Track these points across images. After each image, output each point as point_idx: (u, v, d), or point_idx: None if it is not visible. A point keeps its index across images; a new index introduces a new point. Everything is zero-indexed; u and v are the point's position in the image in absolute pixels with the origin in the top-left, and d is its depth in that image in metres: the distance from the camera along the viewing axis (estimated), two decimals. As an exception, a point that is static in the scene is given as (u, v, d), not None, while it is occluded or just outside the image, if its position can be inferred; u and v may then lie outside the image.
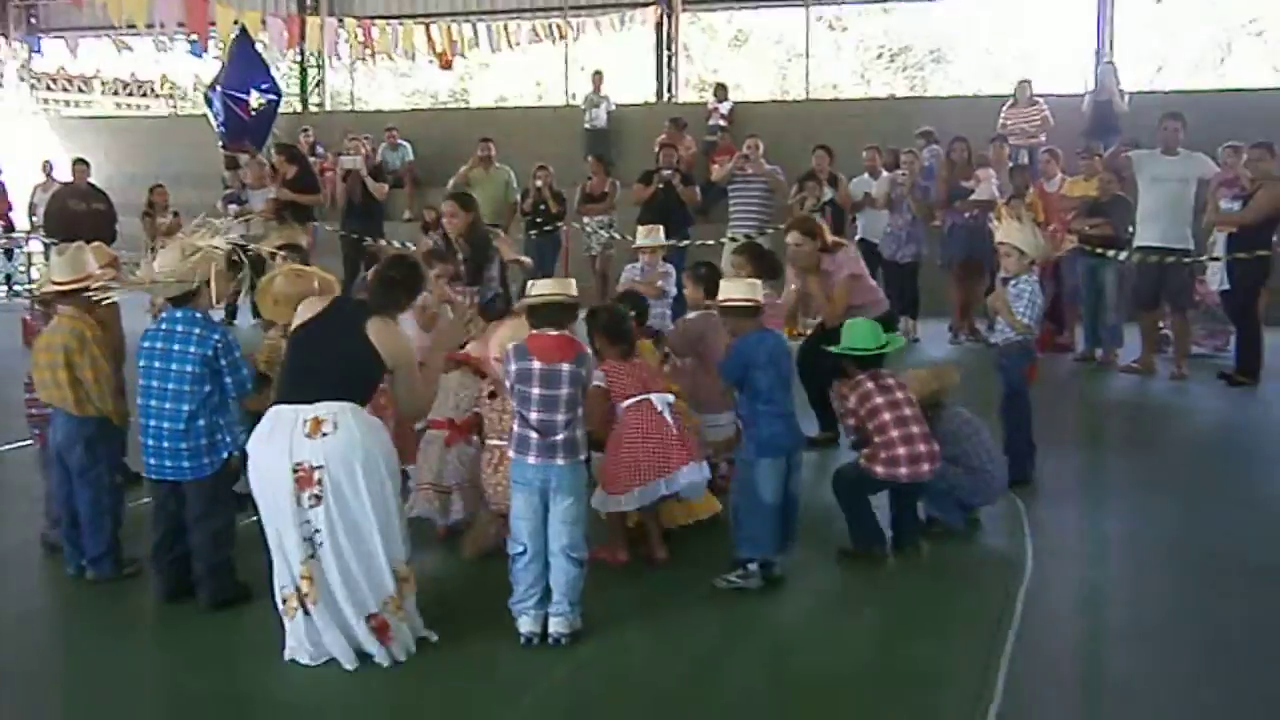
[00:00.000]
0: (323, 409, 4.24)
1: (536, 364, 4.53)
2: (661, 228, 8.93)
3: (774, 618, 4.91)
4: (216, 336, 4.81)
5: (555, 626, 4.49)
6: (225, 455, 4.82)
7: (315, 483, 4.18)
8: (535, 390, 4.51)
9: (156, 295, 4.91)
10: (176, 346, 4.76)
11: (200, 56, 17.68)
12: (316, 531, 4.21)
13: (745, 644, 4.66)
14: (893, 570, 5.43)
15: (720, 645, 4.63)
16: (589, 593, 4.60)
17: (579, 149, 17.64)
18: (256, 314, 5.78)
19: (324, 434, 4.19)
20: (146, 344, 4.82)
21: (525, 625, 4.50)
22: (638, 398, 5.37)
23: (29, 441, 6.60)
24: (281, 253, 6.82)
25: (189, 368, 4.74)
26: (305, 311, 4.60)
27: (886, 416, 5.40)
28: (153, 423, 4.77)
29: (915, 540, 5.58)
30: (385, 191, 14.57)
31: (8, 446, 7.08)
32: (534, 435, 4.48)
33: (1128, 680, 4.41)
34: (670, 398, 5.51)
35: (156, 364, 4.77)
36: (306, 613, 4.25)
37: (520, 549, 4.51)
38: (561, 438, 4.50)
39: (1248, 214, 9.85)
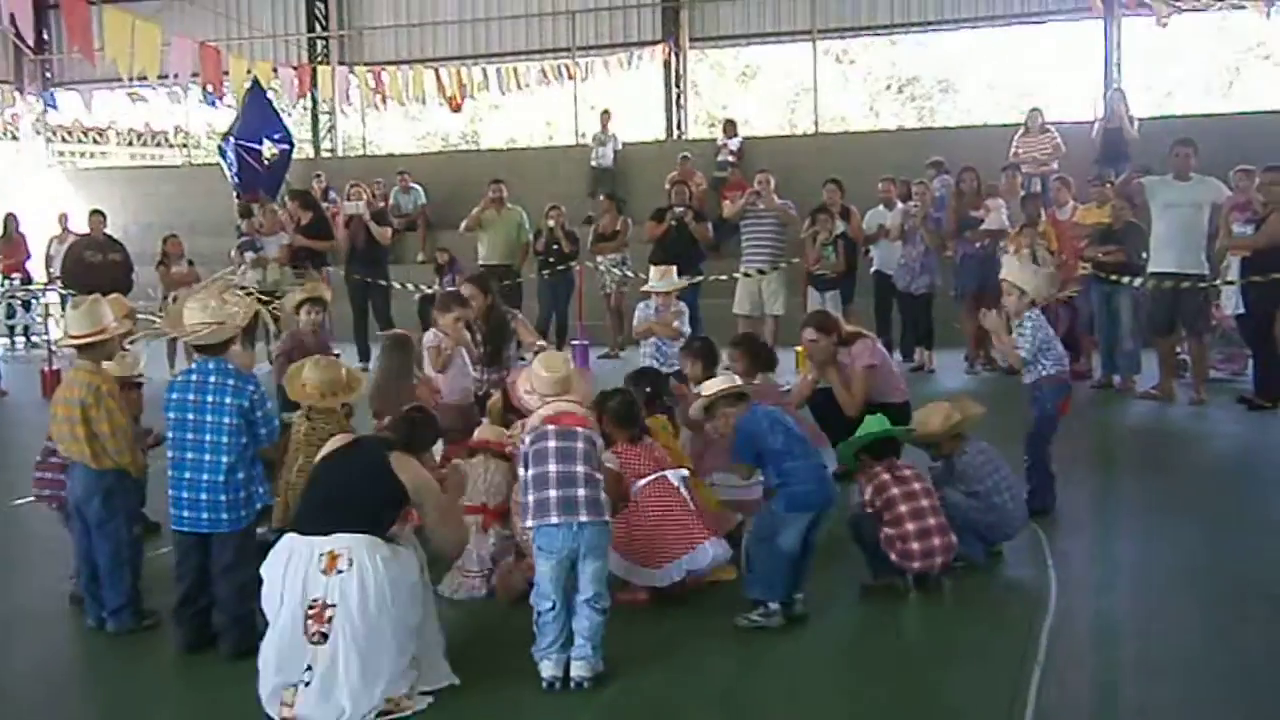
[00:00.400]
0: (338, 542, 4.20)
1: (551, 426, 4.59)
2: (674, 269, 8.92)
3: (796, 655, 4.86)
4: (252, 387, 4.84)
5: (577, 670, 4.46)
6: (259, 506, 4.85)
7: (326, 620, 4.14)
8: (552, 444, 4.53)
9: (191, 342, 4.91)
10: (211, 398, 4.76)
11: (215, 106, 17.87)
12: (308, 669, 4.15)
13: (768, 682, 4.62)
14: (915, 604, 5.38)
15: (743, 684, 4.60)
16: (610, 634, 4.57)
17: (586, 188, 17.79)
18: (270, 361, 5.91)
19: (339, 570, 4.15)
20: (176, 395, 4.82)
21: (547, 670, 4.46)
22: (653, 476, 5.41)
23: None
24: (306, 305, 6.89)
25: (227, 419, 4.75)
26: (329, 446, 4.67)
27: (902, 509, 5.35)
28: (188, 475, 4.76)
29: (937, 574, 5.54)
30: (389, 235, 14.51)
31: (30, 499, 7.08)
32: (553, 494, 4.45)
33: (1153, 713, 4.36)
34: (684, 473, 5.54)
35: (190, 416, 4.77)
36: None
37: (549, 604, 4.48)
38: (583, 493, 4.47)
39: (1260, 238, 9.83)
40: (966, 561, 5.74)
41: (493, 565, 5.58)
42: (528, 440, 4.61)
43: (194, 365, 4.91)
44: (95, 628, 5.19)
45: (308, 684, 4.15)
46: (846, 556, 5.65)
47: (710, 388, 5.49)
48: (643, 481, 5.42)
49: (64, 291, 13.74)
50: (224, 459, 4.74)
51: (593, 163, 18.30)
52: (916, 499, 5.38)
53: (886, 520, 5.38)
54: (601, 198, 14.44)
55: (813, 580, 5.24)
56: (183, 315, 4.91)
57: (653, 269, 8.92)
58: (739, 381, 5.61)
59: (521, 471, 4.65)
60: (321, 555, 4.18)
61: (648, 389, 6.44)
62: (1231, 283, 10.23)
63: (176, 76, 15.07)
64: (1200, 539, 6.39)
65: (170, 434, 4.83)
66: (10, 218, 17.25)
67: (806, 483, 5.06)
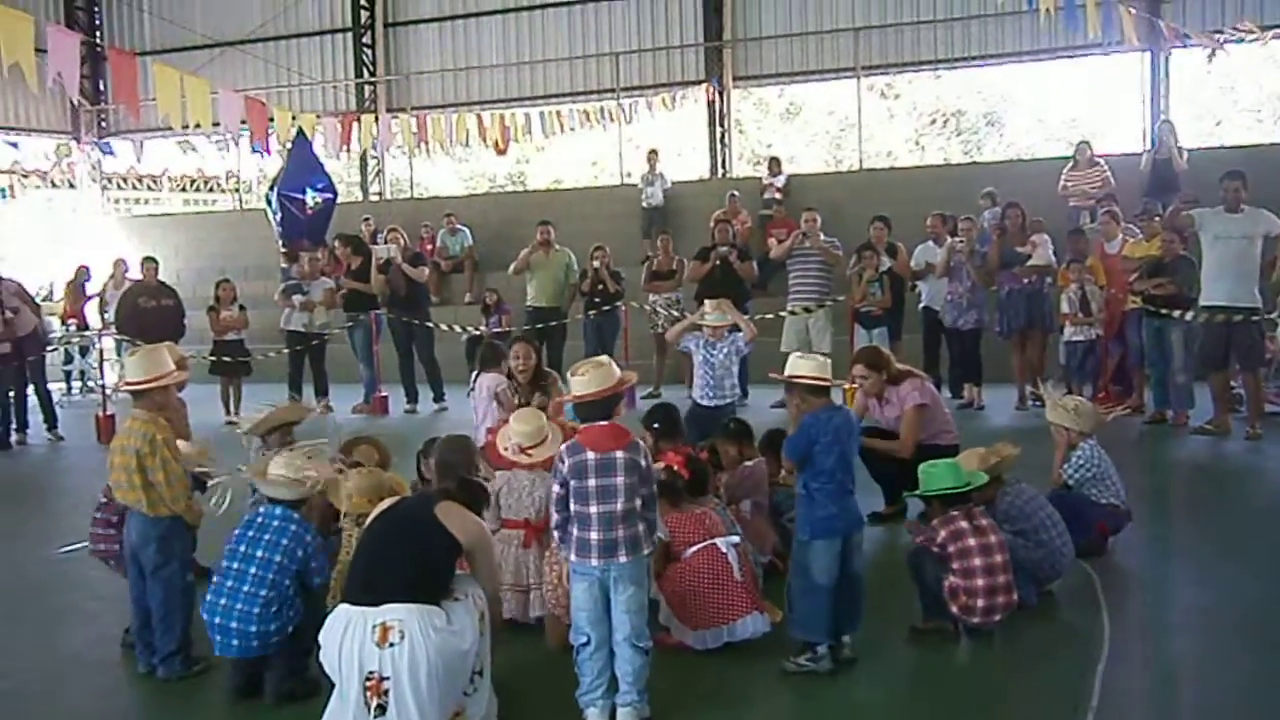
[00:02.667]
0: (390, 614, 4.17)
1: (590, 455, 4.48)
2: (729, 302, 8.70)
3: (846, 701, 4.81)
4: (310, 537, 4.91)
5: (624, 717, 4.42)
6: (290, 629, 4.83)
7: (383, 693, 4.15)
8: (592, 482, 4.45)
9: (266, 493, 5.03)
10: (268, 537, 4.85)
11: (262, 155, 18.19)
12: None
13: (817, 729, 4.57)
14: (966, 649, 5.31)
15: (791, 731, 4.56)
16: (656, 679, 4.54)
17: (637, 227, 17.85)
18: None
19: (391, 644, 4.14)
20: (238, 531, 4.93)
21: (593, 717, 4.43)
22: (703, 544, 5.39)
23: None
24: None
25: (278, 558, 4.80)
26: (374, 512, 4.71)
27: (977, 562, 5.22)
28: (223, 601, 4.79)
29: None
30: (426, 274, 14.62)
31: (82, 545, 7.16)
32: (594, 536, 4.42)
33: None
34: (735, 539, 5.50)
35: (243, 548, 4.85)
36: None
37: (584, 639, 4.46)
38: (623, 534, 4.42)
39: (1318, 270, 9.69)
40: (1019, 604, 5.65)
41: (529, 584, 5.55)
42: (566, 465, 4.51)
43: (262, 510, 5.00)
44: (145, 674, 5.22)
45: None
46: (893, 597, 5.59)
47: (799, 367, 5.22)
48: (693, 549, 5.40)
49: (119, 338, 13.97)
50: (263, 593, 4.77)
51: (643, 203, 18.35)
52: (992, 554, 5.25)
53: (955, 569, 5.27)
54: (659, 236, 14.39)
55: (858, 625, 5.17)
56: (268, 468, 5.05)
57: (707, 302, 8.67)
58: (828, 374, 5.29)
59: (556, 488, 4.58)
60: (374, 627, 4.17)
61: (656, 425, 6.41)
62: (1287, 315, 10.09)
63: (225, 126, 15.30)
64: (1257, 580, 6.25)
65: (223, 562, 4.88)
66: (82, 269, 17.69)
67: (828, 506, 4.94)
